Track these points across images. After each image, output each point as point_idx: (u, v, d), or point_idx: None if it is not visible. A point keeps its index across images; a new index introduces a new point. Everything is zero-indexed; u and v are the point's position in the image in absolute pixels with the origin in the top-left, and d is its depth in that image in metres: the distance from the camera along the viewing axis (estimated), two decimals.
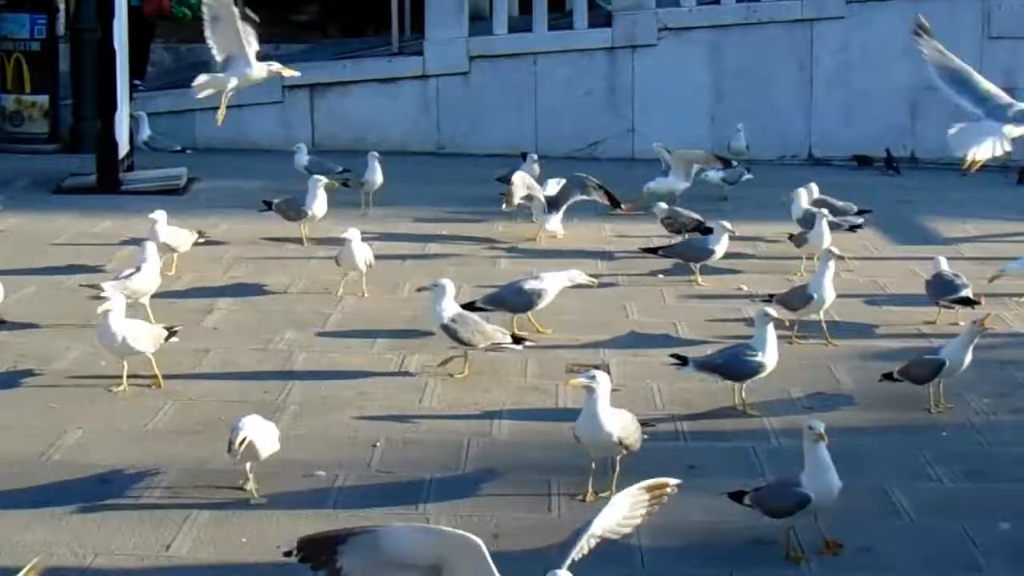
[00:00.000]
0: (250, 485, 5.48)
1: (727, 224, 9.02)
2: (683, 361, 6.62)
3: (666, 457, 5.89)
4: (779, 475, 5.39)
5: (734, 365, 6.55)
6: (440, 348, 7.53)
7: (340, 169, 11.11)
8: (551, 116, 14.27)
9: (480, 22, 14.96)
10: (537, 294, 7.69)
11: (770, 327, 6.53)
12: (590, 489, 5.59)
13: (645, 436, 5.75)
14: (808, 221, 9.58)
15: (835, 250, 7.95)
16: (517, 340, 7.12)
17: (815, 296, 7.68)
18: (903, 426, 6.51)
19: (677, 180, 11.08)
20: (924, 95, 14.40)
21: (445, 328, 7.02)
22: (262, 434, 5.43)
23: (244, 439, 5.24)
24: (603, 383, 5.52)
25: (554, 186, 10.61)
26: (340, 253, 8.56)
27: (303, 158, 11.18)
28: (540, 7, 14.39)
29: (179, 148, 12.57)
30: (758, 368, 6.53)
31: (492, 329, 7.10)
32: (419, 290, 7.38)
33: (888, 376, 6.74)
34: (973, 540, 5.26)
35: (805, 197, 10.03)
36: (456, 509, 5.45)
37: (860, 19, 14.33)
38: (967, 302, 8.00)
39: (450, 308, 7.07)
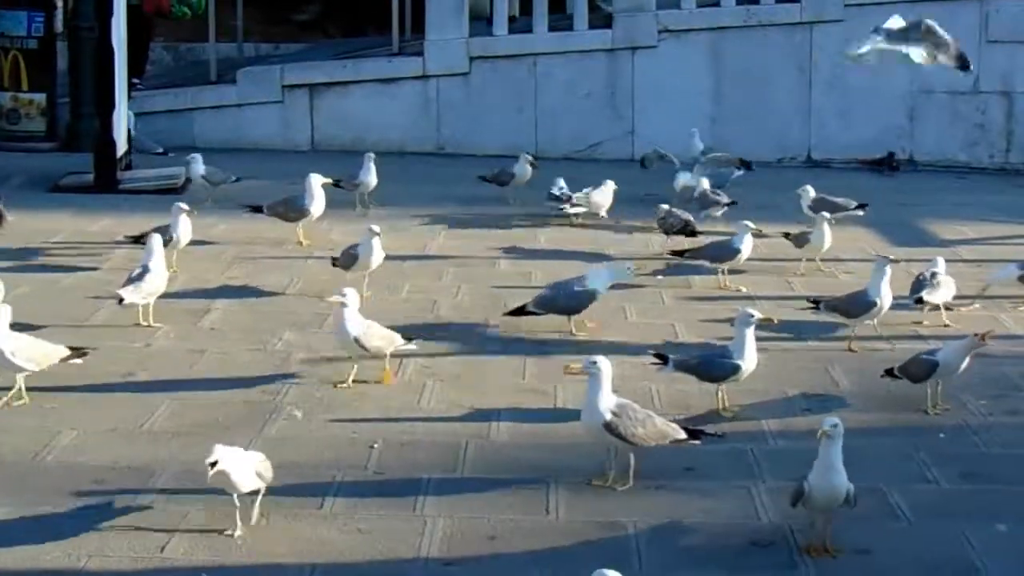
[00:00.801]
0: (237, 532, 5.16)
1: (750, 223, 9.00)
2: (664, 360, 6.60)
3: (664, 458, 5.88)
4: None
5: (708, 366, 6.54)
6: (436, 350, 7.53)
7: (235, 178, 10.88)
8: (551, 117, 14.27)
9: (480, 23, 14.96)
10: (589, 295, 7.70)
11: (750, 329, 6.49)
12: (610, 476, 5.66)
13: (696, 443, 5.77)
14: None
15: (890, 256, 7.85)
16: (408, 339, 7.02)
17: (877, 302, 7.59)
18: (900, 427, 6.50)
19: (699, 179, 11.21)
20: (922, 98, 14.46)
21: (358, 341, 6.78)
22: (239, 466, 5.09)
23: (215, 463, 4.97)
24: (604, 369, 5.59)
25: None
26: (359, 250, 8.44)
27: (199, 168, 10.83)
28: (540, 8, 14.39)
29: (160, 150, 12.51)
30: (733, 371, 6.49)
31: (392, 335, 6.94)
32: (323, 299, 7.39)
33: (890, 372, 6.76)
34: (970, 542, 5.25)
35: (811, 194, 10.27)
36: (453, 511, 5.44)
37: (859, 22, 14.27)
38: (920, 302, 8.14)
39: (357, 320, 6.81)
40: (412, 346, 7.05)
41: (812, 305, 7.86)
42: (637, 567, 5.03)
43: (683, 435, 5.75)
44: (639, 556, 5.10)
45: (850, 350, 7.66)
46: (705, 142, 12.54)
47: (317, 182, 9.71)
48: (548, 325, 7.90)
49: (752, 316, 6.52)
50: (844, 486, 5.07)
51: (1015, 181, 13.85)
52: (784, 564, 5.07)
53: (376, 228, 8.50)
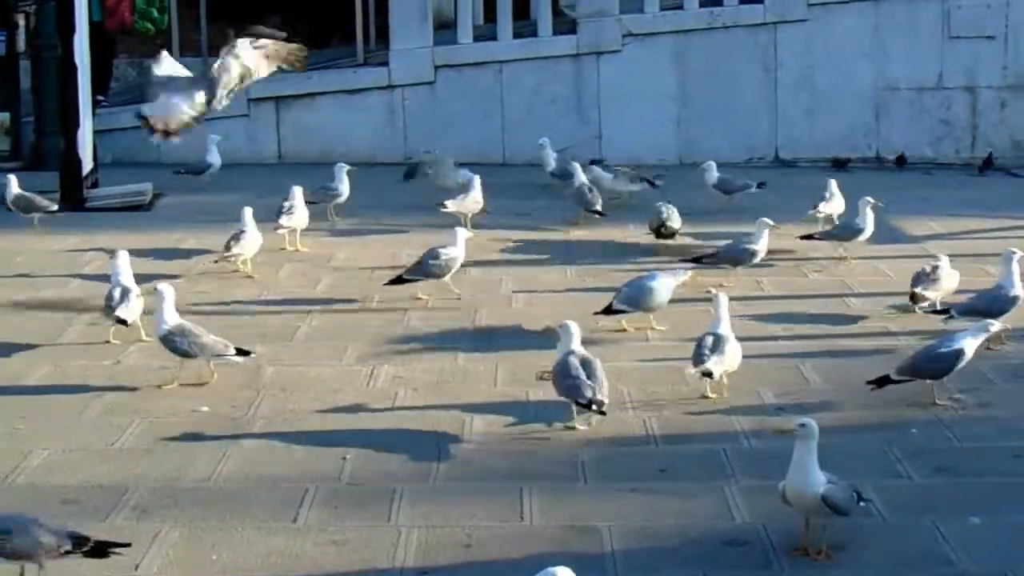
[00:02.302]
0: None
1: (769, 220, 9.06)
2: (710, 375, 6.65)
3: (637, 460, 5.89)
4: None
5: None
6: (408, 359, 7.52)
7: (54, 207, 10.62)
8: (518, 123, 14.26)
9: (445, 31, 14.95)
10: (666, 288, 7.93)
11: (724, 305, 6.74)
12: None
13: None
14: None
15: (1016, 250, 7.70)
16: (242, 352, 6.99)
17: (1020, 298, 7.51)
18: (873, 424, 6.52)
19: (621, 183, 11.32)
20: (887, 95, 14.55)
21: (163, 340, 6.93)
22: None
23: None
24: (572, 328, 6.36)
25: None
26: (453, 252, 8.50)
27: (14, 190, 10.45)
28: (504, 15, 14.40)
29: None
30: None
31: (214, 341, 6.96)
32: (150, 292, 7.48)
33: (881, 381, 6.61)
34: (944, 536, 5.28)
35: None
36: (428, 519, 5.43)
37: (822, 21, 14.40)
38: (913, 299, 8.17)
39: (170, 318, 6.94)
40: (237, 359, 6.98)
41: (943, 314, 7.66)
42: (612, 570, 5.03)
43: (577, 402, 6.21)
44: (614, 558, 5.10)
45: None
46: (670, 145, 12.57)
47: (300, 193, 9.94)
48: (522, 329, 7.89)
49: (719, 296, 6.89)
50: (814, 487, 5.03)
51: (981, 175, 13.93)
52: (758, 563, 5.08)
53: (466, 231, 8.77)
